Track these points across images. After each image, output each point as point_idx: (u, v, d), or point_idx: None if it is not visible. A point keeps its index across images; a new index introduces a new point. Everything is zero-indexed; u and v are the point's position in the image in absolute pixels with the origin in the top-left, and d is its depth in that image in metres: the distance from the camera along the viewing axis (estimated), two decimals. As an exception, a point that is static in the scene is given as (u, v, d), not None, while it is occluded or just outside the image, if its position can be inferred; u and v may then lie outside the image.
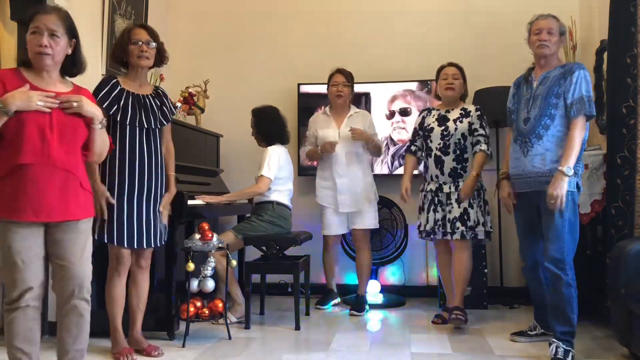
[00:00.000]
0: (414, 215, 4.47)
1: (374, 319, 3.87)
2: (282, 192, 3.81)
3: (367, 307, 4.00)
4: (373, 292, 4.25)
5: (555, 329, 2.84)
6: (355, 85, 4.13)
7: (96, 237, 2.85)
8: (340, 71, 4.07)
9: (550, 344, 2.82)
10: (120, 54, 2.97)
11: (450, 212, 3.54)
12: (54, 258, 2.23)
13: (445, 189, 3.58)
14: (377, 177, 4.44)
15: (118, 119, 2.86)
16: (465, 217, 3.52)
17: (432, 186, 3.64)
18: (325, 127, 4.07)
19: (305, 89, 4.65)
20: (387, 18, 4.70)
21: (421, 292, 4.47)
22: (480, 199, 3.58)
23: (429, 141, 3.65)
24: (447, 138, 3.59)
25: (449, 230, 3.54)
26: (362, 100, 4.57)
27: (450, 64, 3.72)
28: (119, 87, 2.91)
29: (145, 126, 2.94)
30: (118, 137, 2.87)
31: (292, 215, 3.92)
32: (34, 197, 2.13)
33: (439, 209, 3.60)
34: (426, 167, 3.69)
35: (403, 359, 2.92)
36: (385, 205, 4.38)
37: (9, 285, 2.16)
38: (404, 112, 4.54)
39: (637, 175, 3.19)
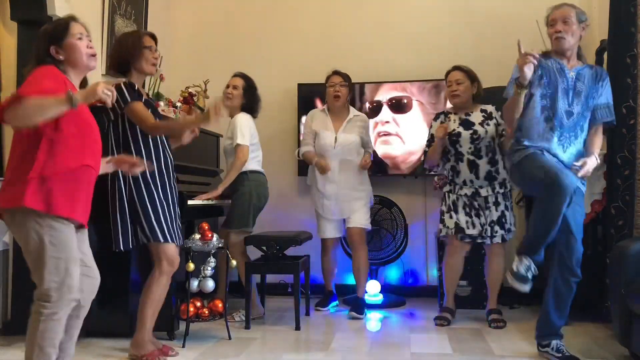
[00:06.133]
0: (414, 216, 4.51)
1: (374, 319, 3.87)
2: (252, 159, 3.73)
3: (365, 308, 3.96)
4: (373, 292, 4.24)
5: (558, 325, 2.86)
6: (355, 85, 4.11)
7: (146, 240, 2.83)
8: (337, 72, 4.04)
9: (552, 345, 2.82)
10: (133, 56, 2.88)
11: (488, 216, 3.56)
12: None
13: (483, 192, 3.57)
14: (377, 177, 4.44)
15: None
16: (504, 220, 3.54)
17: (467, 191, 3.59)
18: (323, 128, 4.02)
19: (305, 89, 4.64)
20: (387, 18, 4.70)
21: (421, 292, 4.47)
22: (510, 200, 3.61)
23: (457, 146, 3.59)
24: (478, 142, 3.56)
25: (487, 234, 3.54)
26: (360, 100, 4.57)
27: (455, 68, 3.71)
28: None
29: None
30: (151, 140, 2.89)
31: (268, 181, 3.87)
32: (85, 200, 2.24)
33: (480, 213, 3.58)
34: (456, 171, 3.62)
35: (403, 359, 2.92)
36: (385, 205, 4.37)
37: (66, 290, 2.14)
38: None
39: (637, 175, 3.20)
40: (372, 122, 4.47)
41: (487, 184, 3.57)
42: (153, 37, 3.00)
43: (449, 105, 3.95)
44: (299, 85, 4.66)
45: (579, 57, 2.98)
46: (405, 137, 4.52)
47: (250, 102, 3.83)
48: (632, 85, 3.23)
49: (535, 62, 2.73)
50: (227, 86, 3.85)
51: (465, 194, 3.59)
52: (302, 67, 4.70)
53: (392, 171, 4.54)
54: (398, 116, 4.55)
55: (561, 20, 2.87)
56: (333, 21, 4.76)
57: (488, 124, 3.59)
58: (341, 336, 3.38)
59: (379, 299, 4.22)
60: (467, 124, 3.61)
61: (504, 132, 3.56)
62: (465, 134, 3.58)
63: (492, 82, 4.14)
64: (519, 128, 2.97)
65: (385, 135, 4.55)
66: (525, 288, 2.78)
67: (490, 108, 3.67)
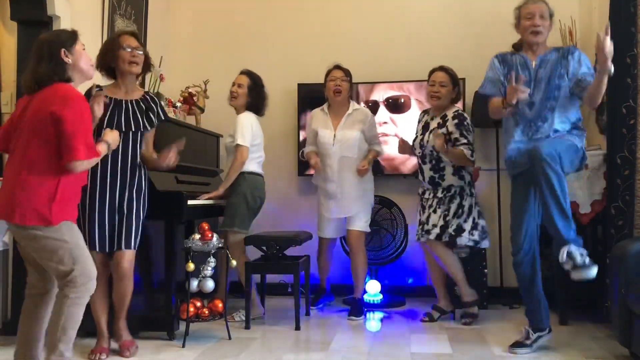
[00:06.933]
0: (415, 216, 4.49)
1: (374, 319, 3.87)
2: (252, 159, 3.71)
3: (364, 309, 3.95)
4: (373, 292, 4.24)
5: (568, 234, 2.70)
6: (355, 85, 4.10)
7: None
8: (338, 67, 3.97)
9: (568, 258, 2.67)
10: (108, 60, 2.94)
11: (422, 215, 3.69)
12: None
13: (426, 195, 3.70)
14: (377, 177, 4.44)
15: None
16: (428, 220, 3.63)
17: (420, 190, 3.78)
18: (322, 127, 3.98)
19: (305, 89, 4.64)
20: (386, 18, 4.70)
21: (421, 292, 4.46)
22: (448, 206, 3.58)
23: (414, 149, 3.78)
24: (424, 148, 3.67)
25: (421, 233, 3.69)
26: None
27: (441, 69, 3.70)
28: None
29: (123, 129, 2.90)
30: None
31: (265, 183, 3.83)
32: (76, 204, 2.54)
33: (421, 213, 3.72)
34: None
35: (403, 359, 2.93)
36: (385, 205, 4.37)
37: (88, 275, 2.37)
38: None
39: (637, 175, 3.20)
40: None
41: (430, 188, 3.68)
42: (134, 34, 3.00)
43: None
44: (299, 85, 4.65)
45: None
46: (404, 138, 4.46)
47: (255, 100, 3.80)
48: (632, 85, 3.23)
49: (527, 95, 2.83)
50: (233, 84, 3.83)
51: (419, 193, 3.78)
52: (302, 67, 4.70)
53: (392, 171, 4.52)
54: (396, 116, 4.54)
55: (539, 14, 2.93)
56: (333, 21, 4.75)
57: (436, 132, 3.59)
58: (341, 336, 3.38)
59: (379, 299, 4.22)
60: (425, 128, 3.72)
61: (459, 140, 3.55)
62: (418, 139, 3.73)
63: (492, 82, 4.14)
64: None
65: (382, 136, 4.50)
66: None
67: (450, 113, 3.63)
